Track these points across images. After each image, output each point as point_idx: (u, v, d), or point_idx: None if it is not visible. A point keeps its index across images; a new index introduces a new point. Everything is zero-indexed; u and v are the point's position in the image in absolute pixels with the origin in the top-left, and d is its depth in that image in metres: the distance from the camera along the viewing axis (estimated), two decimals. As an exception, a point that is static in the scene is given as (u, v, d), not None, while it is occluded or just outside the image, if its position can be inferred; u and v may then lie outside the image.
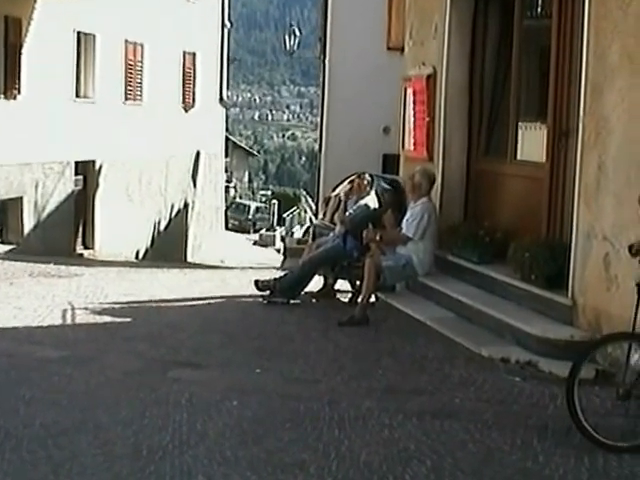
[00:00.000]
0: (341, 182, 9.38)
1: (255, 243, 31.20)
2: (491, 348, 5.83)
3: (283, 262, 14.10)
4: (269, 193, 49.40)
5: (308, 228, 18.31)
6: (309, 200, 40.37)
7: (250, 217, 38.58)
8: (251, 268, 14.06)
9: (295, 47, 19.23)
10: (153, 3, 18.01)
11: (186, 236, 20.65)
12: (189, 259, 19.78)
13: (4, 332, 6.51)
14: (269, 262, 17.62)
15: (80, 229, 16.44)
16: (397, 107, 9.09)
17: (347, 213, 8.16)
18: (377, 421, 4.47)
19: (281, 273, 8.35)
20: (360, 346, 6.25)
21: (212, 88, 22.10)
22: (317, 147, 17.47)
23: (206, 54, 21.21)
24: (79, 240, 16.39)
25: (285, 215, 30.90)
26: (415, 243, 7.24)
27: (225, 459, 3.96)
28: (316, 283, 8.10)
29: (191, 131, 20.28)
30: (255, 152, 58.89)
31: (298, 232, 28.17)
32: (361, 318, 6.85)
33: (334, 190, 9.45)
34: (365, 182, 8.23)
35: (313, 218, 22.94)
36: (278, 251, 25.04)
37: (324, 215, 9.36)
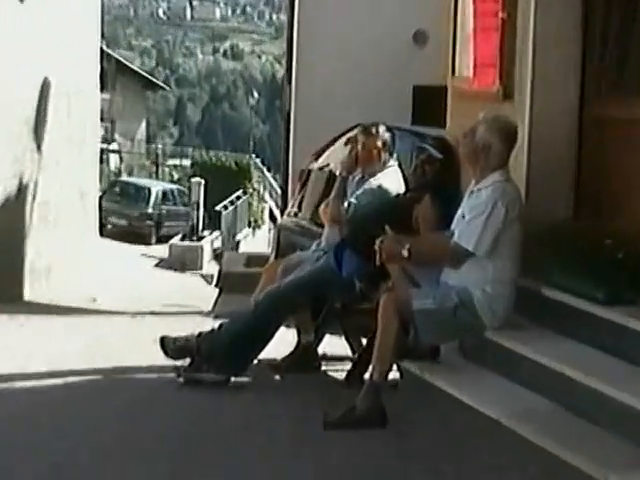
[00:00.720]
0: (332, 141, 9.42)
1: (160, 263, 31.23)
2: (629, 473, 5.87)
3: (217, 301, 14.13)
4: (188, 164, 49.39)
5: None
6: (268, 176, 40.32)
7: (150, 211, 38.62)
8: (154, 313, 14.05)
9: None
10: None
11: (22, 251, 20.64)
12: (27, 295, 19.76)
13: None
14: (189, 301, 17.62)
15: None
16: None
17: (345, 204, 8.19)
18: None
19: (214, 323, 8.36)
20: (368, 471, 6.25)
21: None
22: (284, 73, 17.53)
23: None
24: None
25: (221, 207, 30.92)
26: (478, 263, 7.25)
27: None
28: (281, 342, 8.13)
29: (32, 40, 20.29)
30: (160, 82, 59.06)
31: (248, 241, 28.16)
32: (369, 413, 6.87)
33: (318, 157, 9.50)
34: (379, 142, 8.26)
35: (277, 213, 22.92)
36: (208, 279, 25.09)
37: (299, 207, 9.41)
